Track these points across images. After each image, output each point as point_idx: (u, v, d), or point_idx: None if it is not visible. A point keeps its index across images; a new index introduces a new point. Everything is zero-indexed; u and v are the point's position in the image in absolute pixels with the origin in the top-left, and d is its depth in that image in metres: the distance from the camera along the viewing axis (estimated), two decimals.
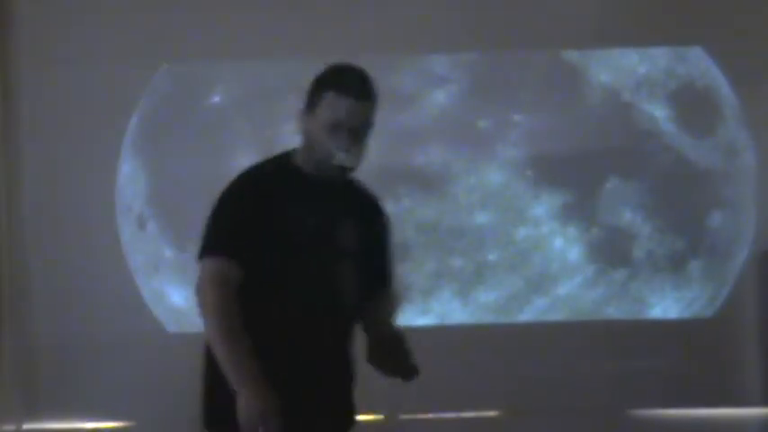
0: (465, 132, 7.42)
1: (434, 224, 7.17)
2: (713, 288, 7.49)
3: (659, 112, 7.47)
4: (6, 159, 7.39)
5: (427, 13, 7.25)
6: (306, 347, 3.46)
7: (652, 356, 7.37)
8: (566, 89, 7.46)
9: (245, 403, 3.33)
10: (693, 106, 7.50)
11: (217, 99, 7.49)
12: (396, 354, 3.50)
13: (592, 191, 7.44)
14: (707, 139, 7.49)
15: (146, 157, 7.47)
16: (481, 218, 7.46)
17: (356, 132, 3.45)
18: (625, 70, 7.52)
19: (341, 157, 3.45)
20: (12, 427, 7.31)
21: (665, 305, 7.51)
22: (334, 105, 3.43)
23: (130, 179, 7.46)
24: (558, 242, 7.48)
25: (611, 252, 7.46)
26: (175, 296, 7.42)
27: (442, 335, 7.18)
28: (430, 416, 7.26)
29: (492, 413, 7.36)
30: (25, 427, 7.33)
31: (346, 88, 3.44)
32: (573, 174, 7.41)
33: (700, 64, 7.50)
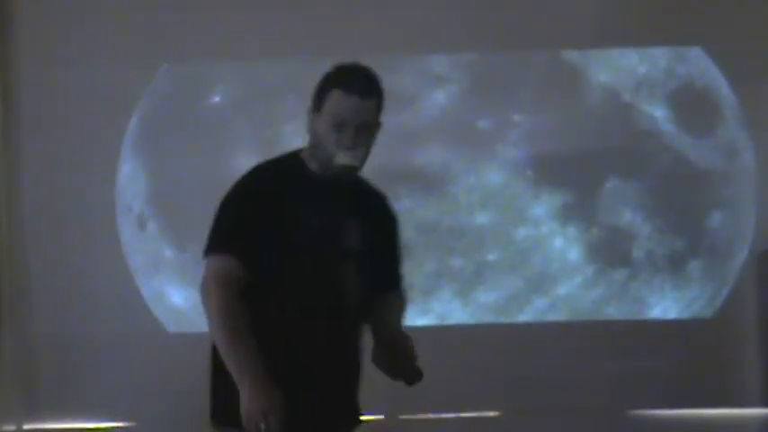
0: (465, 132, 7.42)
1: (434, 224, 7.17)
2: (713, 288, 7.49)
3: (659, 112, 7.48)
4: (6, 159, 7.39)
5: (427, 13, 7.25)
6: (311, 348, 3.46)
7: (652, 356, 7.37)
8: (566, 89, 7.46)
9: (248, 400, 3.34)
10: (693, 106, 7.50)
11: (217, 99, 7.49)
12: (401, 357, 3.50)
13: (592, 191, 7.44)
14: (707, 139, 7.50)
15: (146, 157, 7.47)
16: (481, 218, 7.46)
17: (361, 131, 3.45)
18: (625, 70, 7.52)
19: (342, 157, 3.45)
20: (12, 427, 7.31)
21: (665, 305, 7.51)
22: (340, 103, 3.44)
23: (130, 179, 7.46)
24: (558, 242, 7.48)
25: (610, 252, 7.46)
26: (175, 296, 7.42)
27: (442, 335, 7.17)
28: (430, 416, 7.26)
29: (492, 413, 7.36)
30: (25, 427, 7.33)
31: (351, 86, 3.44)
32: (573, 174, 7.42)
33: (699, 64, 7.50)
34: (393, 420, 6.90)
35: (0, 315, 7.33)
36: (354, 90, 3.44)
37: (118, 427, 7.30)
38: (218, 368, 3.45)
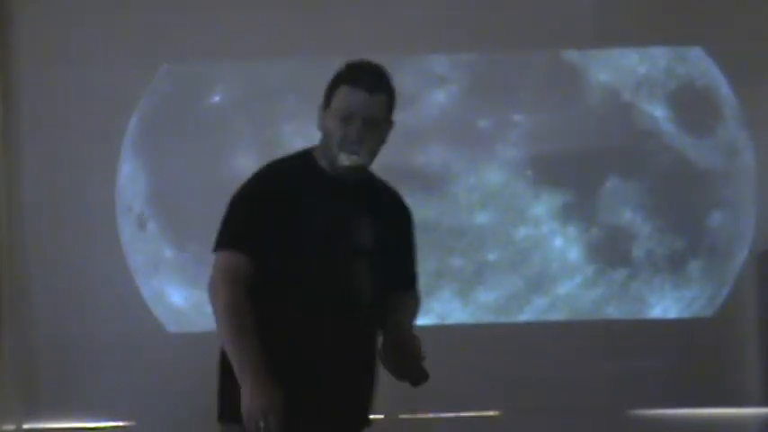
0: (465, 132, 7.42)
1: (434, 224, 7.17)
2: (713, 288, 7.49)
3: (659, 112, 7.48)
4: (6, 159, 7.39)
5: (427, 13, 7.25)
6: (321, 346, 3.45)
7: (652, 356, 7.37)
8: (566, 89, 7.46)
9: (249, 399, 3.34)
10: (693, 106, 7.50)
11: (217, 99, 7.49)
12: (408, 357, 3.50)
13: (592, 191, 7.44)
14: (707, 139, 7.50)
15: (146, 157, 7.47)
16: (481, 218, 7.46)
17: (368, 126, 3.44)
18: (625, 70, 7.52)
19: (345, 158, 3.45)
20: (12, 426, 7.31)
21: (665, 305, 7.51)
22: (347, 98, 3.45)
23: (130, 179, 7.46)
24: (558, 242, 7.48)
25: (610, 252, 7.46)
26: (175, 296, 7.42)
27: (442, 335, 7.17)
28: (430, 416, 7.26)
29: (492, 413, 7.36)
30: (25, 426, 7.34)
31: (359, 81, 3.45)
32: (573, 174, 7.42)
33: (699, 64, 7.50)
34: (393, 420, 6.90)
35: (0, 315, 7.33)
36: (362, 85, 3.45)
37: (118, 427, 7.30)
38: (228, 369, 3.45)
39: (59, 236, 7.26)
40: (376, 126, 3.47)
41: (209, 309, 3.47)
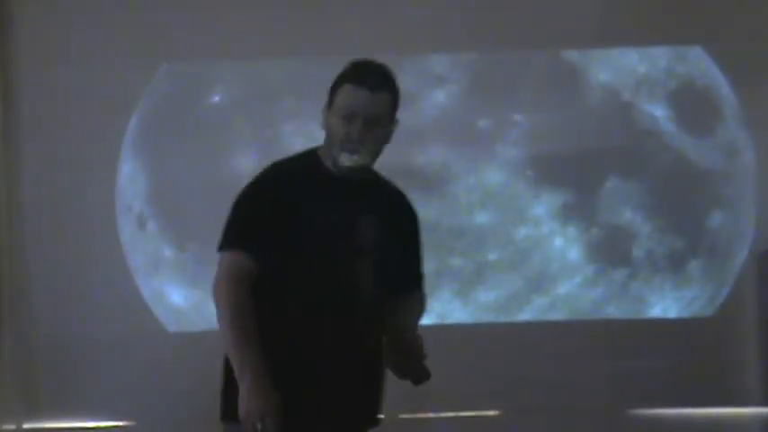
0: (465, 132, 7.42)
1: (434, 224, 7.17)
2: (713, 288, 7.49)
3: (659, 112, 7.48)
4: (6, 159, 7.39)
5: (427, 13, 7.25)
6: (324, 346, 3.45)
7: (652, 356, 7.37)
8: (566, 89, 7.46)
9: (247, 399, 3.34)
10: (693, 106, 7.50)
11: (217, 99, 7.49)
12: (410, 356, 3.50)
13: (592, 191, 7.44)
14: (707, 139, 7.50)
15: (146, 157, 7.47)
16: (481, 218, 7.46)
17: (371, 124, 3.44)
18: (625, 70, 7.52)
19: (346, 158, 3.45)
20: (12, 426, 7.31)
21: (665, 305, 7.51)
22: (349, 96, 3.44)
23: (130, 179, 7.46)
24: (558, 242, 7.48)
25: (610, 252, 7.46)
26: (175, 296, 7.42)
27: (442, 334, 7.17)
28: (430, 416, 7.26)
29: (492, 413, 7.36)
30: (25, 426, 7.34)
31: (361, 80, 3.44)
32: (573, 174, 7.42)
33: (700, 64, 7.50)
34: (393, 420, 6.90)
35: (0, 315, 7.33)
36: (364, 83, 3.44)
37: (118, 427, 7.30)
38: (230, 365, 3.45)
39: (59, 236, 7.26)
40: (378, 125, 3.47)
41: (208, 308, 3.47)
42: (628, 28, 7.37)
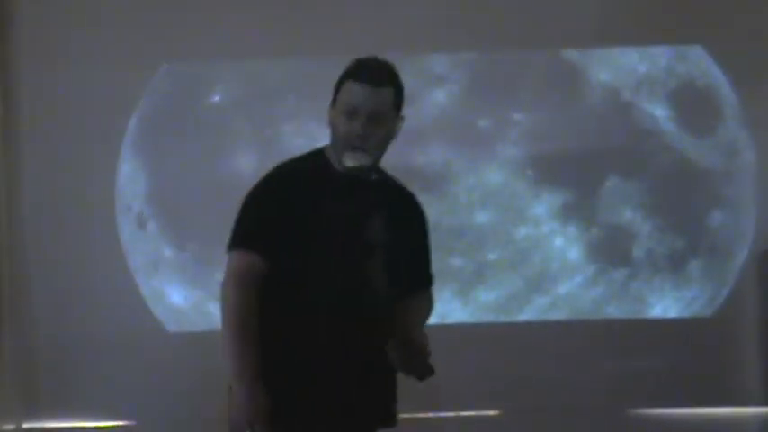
0: (465, 132, 7.42)
1: (434, 224, 7.15)
2: (713, 287, 7.49)
3: (659, 112, 7.47)
4: (6, 159, 7.39)
5: (427, 13, 7.25)
6: (334, 347, 3.45)
7: (652, 356, 7.37)
8: (566, 88, 7.46)
9: (237, 404, 3.34)
10: (693, 105, 7.49)
11: (217, 99, 7.49)
12: (414, 353, 3.50)
13: (592, 190, 7.44)
14: (707, 139, 7.49)
15: (146, 157, 7.47)
16: (481, 217, 7.45)
17: (373, 120, 3.44)
18: (625, 69, 7.52)
19: (350, 158, 3.45)
20: (12, 426, 7.31)
21: (665, 304, 7.51)
22: (351, 92, 3.45)
23: (130, 179, 7.46)
24: (558, 241, 7.48)
25: (611, 251, 7.46)
26: (175, 296, 7.42)
27: (441, 334, 7.15)
28: (430, 415, 7.26)
29: (492, 412, 7.36)
30: (25, 426, 7.34)
31: (363, 76, 3.45)
32: (573, 173, 7.41)
33: (700, 63, 7.50)
34: None
35: (0, 315, 7.33)
36: (366, 79, 3.44)
37: (118, 427, 7.30)
38: None
39: (59, 236, 7.26)
40: (382, 121, 3.46)
41: (208, 308, 3.48)
42: (628, 28, 7.37)
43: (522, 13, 7.35)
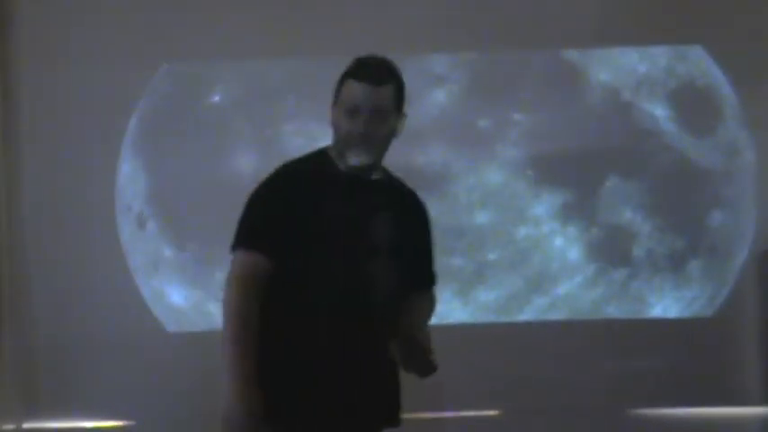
0: (465, 132, 7.42)
1: (434, 224, 7.16)
2: (713, 287, 7.49)
3: (659, 111, 7.48)
4: (6, 159, 7.39)
5: (427, 13, 7.25)
6: (338, 346, 3.46)
7: (652, 356, 7.37)
8: (566, 88, 7.46)
9: (229, 403, 3.35)
10: (694, 105, 7.50)
11: (217, 99, 7.49)
12: (417, 351, 3.51)
13: (592, 190, 7.45)
14: (707, 139, 7.50)
15: (146, 157, 7.47)
16: (481, 218, 7.46)
17: (375, 117, 3.44)
18: (625, 69, 7.53)
19: (353, 157, 3.45)
20: (12, 426, 7.31)
21: (665, 304, 7.51)
22: (352, 90, 3.45)
23: (130, 179, 7.47)
24: (558, 242, 7.48)
25: (611, 251, 7.46)
26: (175, 296, 7.42)
27: (441, 334, 7.16)
28: (430, 415, 7.26)
29: (492, 413, 7.36)
30: (25, 426, 7.34)
31: (364, 74, 3.46)
32: (573, 173, 7.42)
33: (700, 63, 7.50)
34: None
35: (0, 315, 7.33)
36: (366, 77, 3.45)
37: (118, 427, 7.30)
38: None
39: (59, 236, 7.26)
40: (383, 118, 3.47)
41: (208, 308, 3.48)
42: (628, 28, 7.37)
43: (522, 13, 7.35)
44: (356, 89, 3.45)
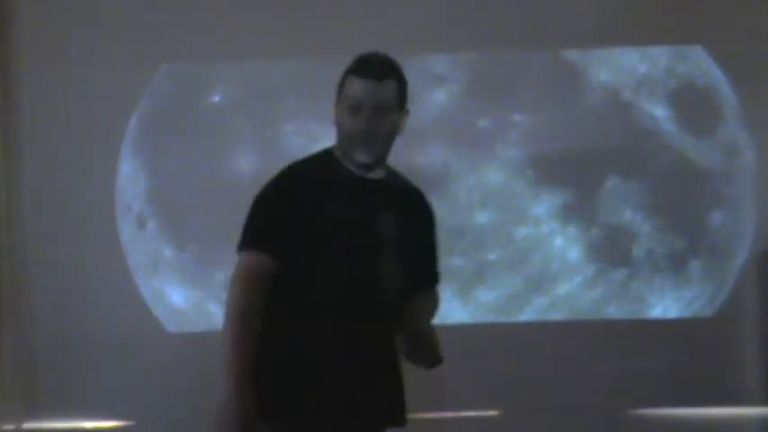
0: (465, 132, 7.42)
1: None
2: (713, 287, 7.49)
3: (659, 112, 7.47)
4: (6, 159, 7.39)
5: (427, 13, 7.25)
6: (343, 346, 3.46)
7: (652, 356, 7.36)
8: (566, 89, 7.46)
9: (223, 406, 3.35)
10: (694, 105, 7.49)
11: (217, 99, 7.49)
12: (425, 345, 3.53)
13: (592, 190, 7.44)
14: (707, 139, 7.49)
15: (146, 157, 7.47)
16: (481, 218, 7.45)
17: (378, 113, 3.45)
18: (625, 69, 7.52)
19: (358, 155, 3.46)
20: (11, 426, 7.31)
21: (665, 305, 7.51)
22: (355, 87, 3.46)
23: (130, 179, 7.46)
24: (558, 242, 7.48)
25: (611, 251, 7.46)
26: (175, 296, 7.42)
27: (442, 334, 7.16)
28: (430, 416, 7.26)
29: (492, 413, 7.36)
30: (25, 426, 7.33)
31: (366, 71, 3.47)
32: (573, 173, 7.41)
33: (700, 63, 7.50)
34: None
35: (0, 315, 7.33)
36: (368, 73, 3.46)
37: (118, 427, 7.30)
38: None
39: (59, 236, 7.26)
40: (386, 114, 3.47)
41: (208, 308, 3.48)
42: (628, 28, 7.37)
43: (522, 13, 7.35)
44: (358, 86, 3.46)
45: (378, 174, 3.54)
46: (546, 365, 7.31)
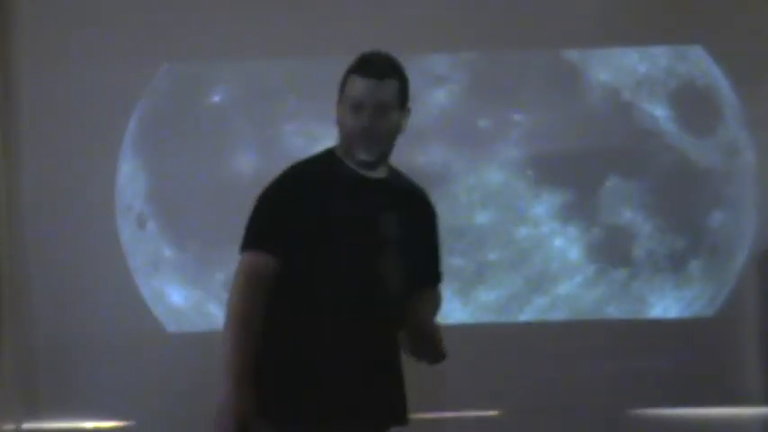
0: (465, 132, 7.42)
1: None
2: (714, 288, 7.49)
3: (659, 112, 7.47)
4: (6, 159, 7.39)
5: (427, 13, 7.25)
6: (346, 346, 3.46)
7: (652, 356, 7.36)
8: (566, 88, 7.46)
9: (224, 402, 3.35)
10: (694, 105, 7.49)
11: (217, 99, 7.49)
12: (428, 341, 3.54)
13: (592, 190, 7.44)
14: (707, 139, 7.49)
15: (146, 157, 7.47)
16: (481, 218, 7.45)
17: (379, 113, 3.45)
18: (625, 69, 7.52)
19: (357, 151, 3.47)
20: (11, 426, 7.31)
21: (666, 305, 7.51)
22: (356, 86, 3.48)
23: (130, 179, 7.46)
24: (559, 242, 7.48)
25: (611, 251, 7.46)
26: (175, 296, 7.42)
27: (442, 335, 7.16)
28: (430, 416, 7.25)
29: (492, 413, 7.36)
30: (25, 426, 7.33)
31: (367, 70, 3.49)
32: (573, 173, 7.41)
33: (700, 63, 7.50)
34: None
35: (0, 315, 7.32)
36: (370, 72, 3.48)
37: (118, 427, 7.30)
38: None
39: (59, 236, 7.26)
40: (388, 113, 3.49)
41: (209, 309, 3.48)
42: (628, 28, 7.37)
43: (522, 13, 7.35)
44: (360, 84, 3.47)
45: (380, 173, 3.54)
46: (546, 365, 7.31)
